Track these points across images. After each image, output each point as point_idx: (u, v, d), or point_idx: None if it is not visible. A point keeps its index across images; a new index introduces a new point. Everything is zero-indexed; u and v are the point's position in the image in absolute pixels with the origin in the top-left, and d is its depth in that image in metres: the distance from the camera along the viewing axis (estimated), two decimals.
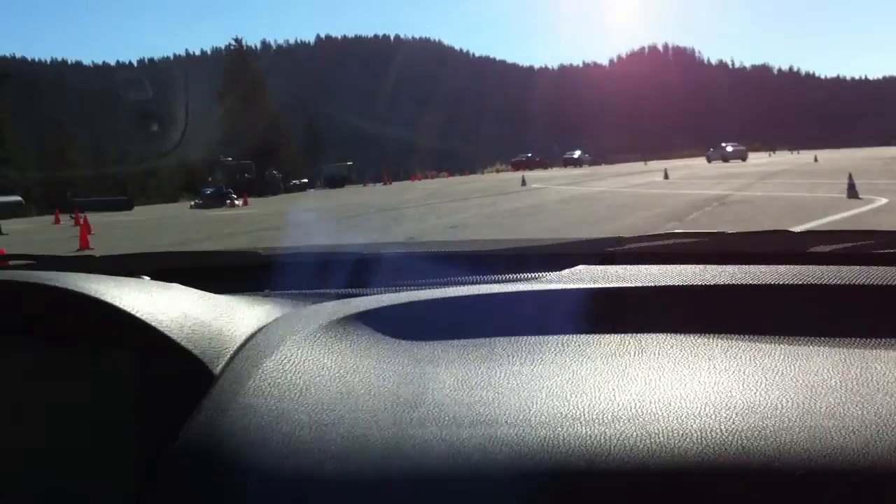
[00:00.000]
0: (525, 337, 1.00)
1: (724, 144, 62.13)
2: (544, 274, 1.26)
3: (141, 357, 0.91)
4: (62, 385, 0.92)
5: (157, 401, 0.89)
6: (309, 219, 21.40)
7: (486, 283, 1.25)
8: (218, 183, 46.47)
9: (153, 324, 0.91)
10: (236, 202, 37.64)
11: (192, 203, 42.56)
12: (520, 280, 1.25)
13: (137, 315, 0.91)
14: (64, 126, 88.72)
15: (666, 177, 30.53)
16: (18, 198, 31.14)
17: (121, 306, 0.92)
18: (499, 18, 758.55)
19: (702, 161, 60.87)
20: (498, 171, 77.37)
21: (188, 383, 0.89)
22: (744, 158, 56.84)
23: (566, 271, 1.24)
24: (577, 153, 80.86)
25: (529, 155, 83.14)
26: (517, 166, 72.12)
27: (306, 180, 48.80)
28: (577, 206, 19.22)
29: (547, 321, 1.05)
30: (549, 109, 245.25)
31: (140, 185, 77.66)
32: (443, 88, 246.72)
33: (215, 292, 1.10)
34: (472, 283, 1.26)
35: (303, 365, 0.90)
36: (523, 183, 33.69)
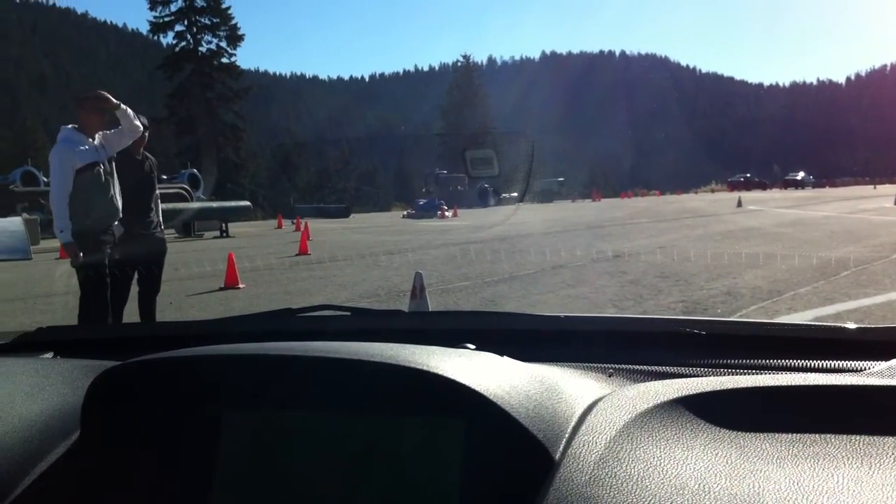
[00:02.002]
0: (861, 437, 0.94)
1: None
2: (867, 364, 1.20)
3: (472, 427, 0.95)
4: (395, 448, 0.98)
5: (485, 472, 0.92)
6: (513, 232, 21.61)
7: (804, 370, 1.22)
8: (431, 194, 47.84)
9: (490, 397, 0.92)
10: (447, 213, 38.61)
11: (405, 213, 44.13)
12: (840, 371, 1.20)
13: (474, 388, 0.93)
14: (294, 135, 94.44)
15: None
16: (247, 203, 33.56)
17: (456, 379, 0.94)
18: (730, 34, 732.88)
19: None
20: (713, 190, 74.70)
21: (522, 460, 0.90)
22: None
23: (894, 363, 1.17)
24: (800, 174, 76.79)
25: (748, 175, 79.84)
26: (734, 187, 69.39)
27: (516, 194, 49.25)
28: (795, 231, 18.23)
29: (885, 421, 0.97)
30: (775, 128, 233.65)
31: (356, 193, 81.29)
32: (665, 105, 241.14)
33: (518, 359, 1.12)
34: (788, 368, 1.23)
35: (636, 453, 0.89)
36: (739, 204, 32.40)
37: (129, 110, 6.20)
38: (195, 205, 29.47)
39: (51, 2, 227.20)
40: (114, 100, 6.05)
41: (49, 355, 1.55)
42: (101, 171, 5.95)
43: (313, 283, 11.89)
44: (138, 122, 6.16)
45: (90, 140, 5.94)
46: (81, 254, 5.86)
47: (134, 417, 1.09)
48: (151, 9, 60.43)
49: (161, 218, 7.00)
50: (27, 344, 1.70)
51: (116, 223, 6.15)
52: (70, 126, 6.00)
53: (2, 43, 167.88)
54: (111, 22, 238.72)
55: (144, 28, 77.19)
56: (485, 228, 24.34)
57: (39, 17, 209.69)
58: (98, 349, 1.58)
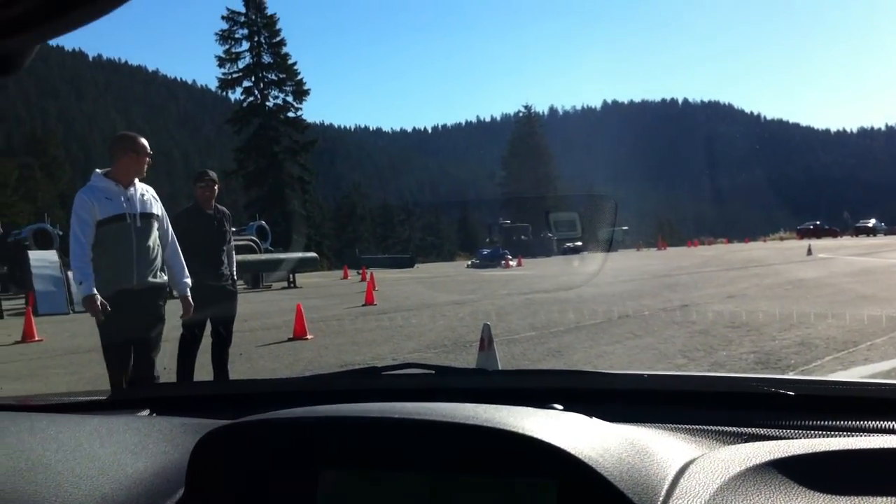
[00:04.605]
0: None
1: None
2: None
3: (566, 489, 0.96)
4: None
5: None
6: (580, 282, 21.48)
7: (890, 432, 1.21)
8: (495, 244, 47.91)
9: (584, 460, 0.93)
10: (511, 263, 38.56)
11: (469, 263, 44.20)
12: None
13: (567, 450, 0.94)
14: (359, 187, 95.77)
15: None
16: (315, 254, 34.06)
17: (550, 441, 0.96)
18: (794, 81, 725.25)
19: None
20: (782, 238, 73.16)
21: None
22: None
23: None
24: (871, 221, 74.84)
25: (817, 223, 78.09)
26: (803, 234, 67.85)
27: (580, 243, 49.07)
28: (867, 280, 17.75)
29: None
30: (844, 175, 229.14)
31: (420, 243, 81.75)
32: (729, 152, 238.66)
33: (605, 419, 1.13)
34: (881, 430, 1.22)
35: None
36: (809, 252, 31.70)
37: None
38: (263, 256, 29.98)
39: (123, 60, 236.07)
40: (145, 147, 5.29)
41: (146, 412, 1.61)
42: (126, 225, 5.15)
43: (380, 334, 11.97)
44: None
45: (121, 188, 5.17)
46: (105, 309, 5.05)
47: (236, 476, 1.12)
48: (220, 66, 62.16)
49: (234, 270, 7.15)
50: (121, 401, 1.76)
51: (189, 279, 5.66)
52: (101, 171, 5.28)
53: (76, 99, 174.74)
54: (181, 79, 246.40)
55: (213, 84, 79.44)
56: (548, 278, 24.23)
57: (112, 74, 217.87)
58: (191, 406, 1.63)
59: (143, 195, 5.26)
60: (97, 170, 5.27)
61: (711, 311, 12.27)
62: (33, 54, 0.56)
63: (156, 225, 5.32)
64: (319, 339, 11.57)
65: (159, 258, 5.34)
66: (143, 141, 5.27)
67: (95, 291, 5.00)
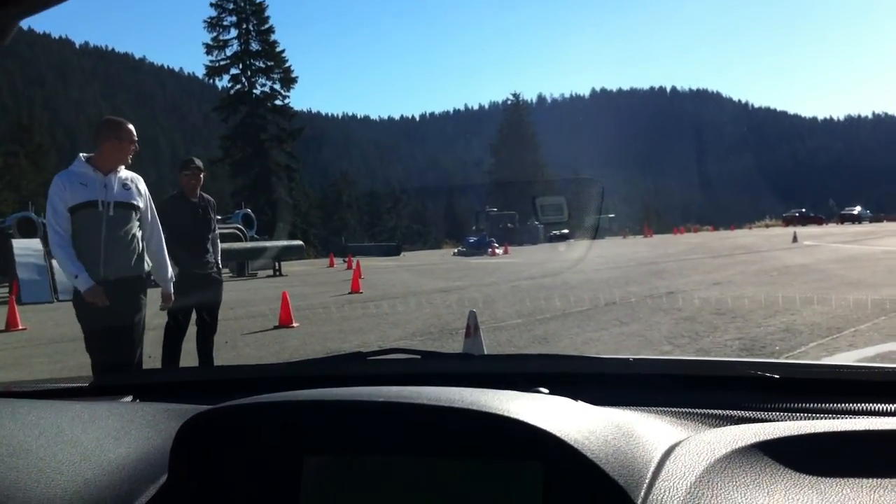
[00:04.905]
0: None
1: None
2: None
3: (552, 472, 0.95)
4: (475, 492, 0.99)
5: None
6: (565, 268, 21.51)
7: (883, 414, 1.21)
8: (481, 232, 47.95)
9: (570, 442, 0.93)
10: (497, 251, 38.60)
11: (456, 251, 44.24)
12: None
13: (553, 433, 0.94)
14: (346, 175, 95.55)
15: None
16: (300, 242, 34.02)
17: (536, 424, 0.95)
18: (782, 69, 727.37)
19: None
20: (767, 226, 73.61)
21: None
22: None
23: None
24: (856, 209, 75.31)
25: (803, 210, 78.58)
26: (788, 222, 68.21)
27: (567, 231, 49.24)
28: (852, 267, 17.85)
29: None
30: (830, 163, 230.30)
31: (406, 231, 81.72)
32: (717, 140, 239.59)
33: (590, 402, 1.13)
34: (866, 412, 1.23)
35: (717, 499, 0.88)
36: (794, 239, 31.89)
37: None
38: (248, 244, 29.89)
39: (110, 47, 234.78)
40: (130, 134, 5.04)
41: (128, 399, 1.59)
42: (97, 213, 4.86)
43: (366, 322, 11.96)
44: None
45: (100, 174, 4.89)
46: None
47: (218, 461, 1.11)
48: (208, 53, 61.93)
49: (219, 258, 7.11)
50: (104, 388, 1.75)
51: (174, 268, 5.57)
52: (84, 156, 5.03)
53: (63, 86, 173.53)
54: (168, 66, 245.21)
55: (201, 72, 78.96)
56: (534, 265, 24.28)
57: (99, 61, 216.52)
58: (174, 392, 1.62)
59: (125, 184, 4.98)
60: (81, 154, 5.04)
61: (697, 298, 12.31)
62: (13, 32, 0.53)
63: (134, 216, 5.02)
64: (305, 326, 11.55)
65: (135, 249, 5.04)
66: (130, 127, 5.01)
67: (93, 281, 4.81)
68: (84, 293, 4.83)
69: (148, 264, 5.27)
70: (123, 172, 5.00)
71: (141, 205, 5.08)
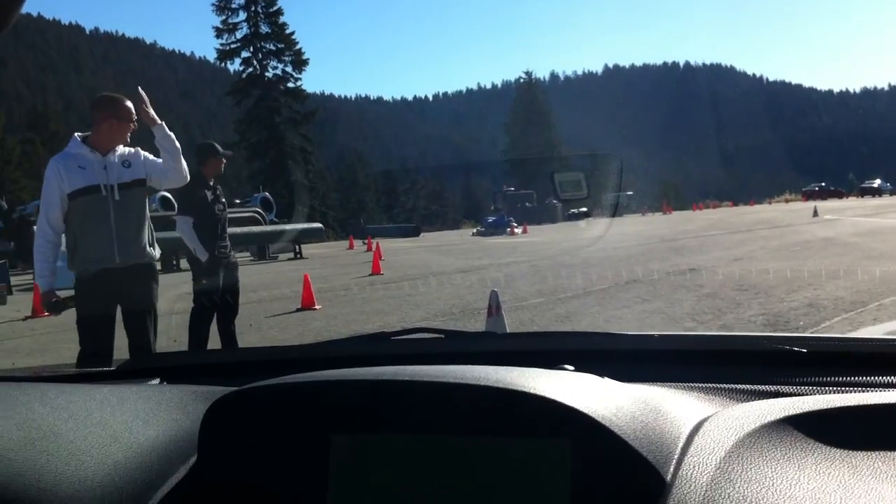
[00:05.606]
0: None
1: None
2: None
3: (579, 449, 0.95)
4: (503, 471, 0.99)
5: (594, 494, 0.93)
6: (585, 246, 21.47)
7: None
8: (499, 211, 47.87)
9: (598, 419, 0.93)
10: (516, 230, 38.54)
11: (474, 231, 44.20)
12: None
13: (581, 410, 0.93)
14: (361, 156, 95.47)
15: None
16: (319, 225, 34.04)
17: (564, 402, 0.95)
18: (797, 42, 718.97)
19: None
20: (787, 200, 73.06)
21: (632, 482, 0.90)
22: None
23: None
24: (876, 182, 74.61)
25: (822, 184, 77.90)
26: (808, 196, 67.72)
27: (585, 209, 49.03)
28: (874, 240, 17.72)
29: None
30: (848, 136, 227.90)
31: (425, 212, 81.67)
32: (733, 115, 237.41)
33: (616, 379, 1.12)
34: (888, 385, 1.21)
35: (748, 473, 0.88)
36: (815, 214, 31.65)
37: (171, 135, 4.79)
38: (269, 228, 30.00)
39: (120, 32, 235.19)
40: (139, 108, 4.70)
41: (156, 381, 1.60)
42: (101, 198, 4.56)
43: (387, 303, 12.00)
44: (183, 167, 4.85)
45: (98, 155, 4.59)
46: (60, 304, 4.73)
47: (247, 441, 1.12)
48: (218, 37, 61.88)
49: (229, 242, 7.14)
50: (133, 371, 1.77)
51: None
52: (80, 135, 4.71)
53: (75, 73, 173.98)
54: (179, 51, 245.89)
55: (212, 56, 78.91)
56: (553, 244, 24.23)
57: (110, 47, 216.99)
58: (200, 375, 1.63)
59: (125, 161, 4.65)
60: (76, 134, 4.72)
61: (719, 274, 12.26)
62: (15, 18, 0.52)
63: (141, 192, 4.73)
64: (328, 308, 11.60)
65: (146, 232, 4.75)
66: (128, 104, 4.67)
67: (51, 290, 4.65)
68: (41, 294, 4.71)
69: (158, 252, 4.94)
70: (121, 149, 4.69)
71: (145, 174, 4.74)
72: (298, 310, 11.61)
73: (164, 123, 4.78)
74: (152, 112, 4.75)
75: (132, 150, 4.72)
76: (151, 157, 4.78)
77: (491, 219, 43.88)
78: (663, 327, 8.09)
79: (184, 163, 4.84)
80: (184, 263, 15.28)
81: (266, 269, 23.57)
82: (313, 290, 11.91)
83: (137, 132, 4.79)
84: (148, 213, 4.85)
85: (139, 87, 4.79)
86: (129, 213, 4.63)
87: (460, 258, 21.61)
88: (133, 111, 4.67)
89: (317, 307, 11.61)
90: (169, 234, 10.26)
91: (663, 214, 54.95)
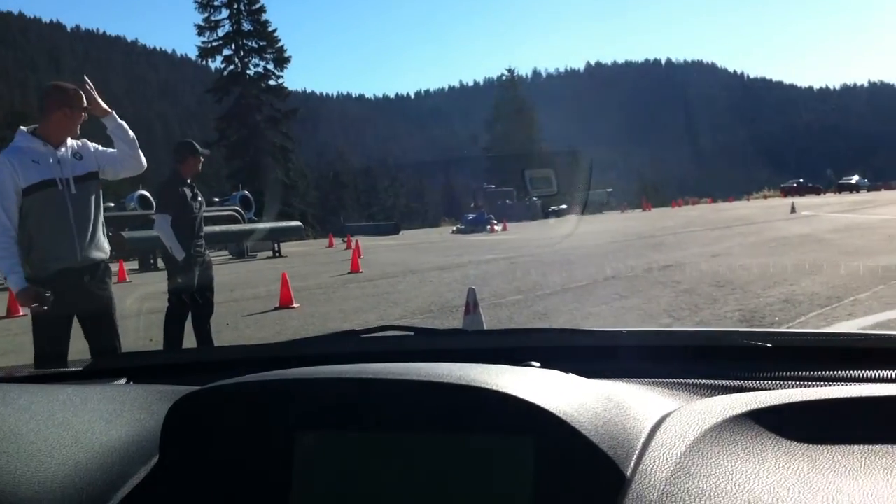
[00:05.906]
0: None
1: None
2: None
3: (541, 445, 0.95)
4: (466, 467, 0.98)
5: (556, 489, 0.93)
6: (565, 245, 21.52)
7: (874, 380, 1.20)
8: (480, 209, 47.92)
9: (560, 415, 0.92)
10: (496, 227, 38.58)
11: (454, 228, 44.23)
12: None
13: (543, 406, 0.93)
14: (342, 154, 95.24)
15: None
16: (299, 223, 33.96)
17: (525, 398, 0.94)
18: (777, 39, 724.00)
19: None
20: (766, 197, 73.57)
21: (593, 478, 0.90)
22: None
23: None
24: (854, 178, 75.35)
25: (801, 180, 78.50)
26: (787, 192, 68.21)
27: (565, 206, 49.23)
28: (851, 236, 17.88)
29: None
30: (827, 132, 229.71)
31: (405, 210, 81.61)
32: (713, 112, 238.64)
33: (582, 375, 1.12)
34: (857, 379, 1.22)
35: (707, 468, 0.88)
36: (793, 210, 31.86)
37: (124, 124, 4.58)
38: (247, 226, 29.87)
39: (101, 30, 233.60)
40: (86, 97, 4.48)
41: (122, 381, 1.59)
42: (58, 192, 4.36)
43: (366, 301, 11.98)
44: (139, 154, 4.65)
45: (51, 148, 4.38)
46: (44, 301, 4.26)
47: (210, 441, 1.11)
48: (199, 34, 61.62)
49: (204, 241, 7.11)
50: (99, 371, 1.74)
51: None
52: (26, 128, 4.48)
53: (56, 71, 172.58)
54: (160, 48, 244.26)
55: (193, 53, 78.55)
56: (532, 242, 24.27)
57: (90, 45, 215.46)
58: (168, 374, 1.62)
59: (76, 153, 4.46)
60: (22, 127, 4.49)
61: (696, 271, 12.33)
62: None
63: (95, 185, 4.54)
64: (306, 307, 11.57)
65: (101, 226, 4.58)
66: (81, 93, 4.47)
67: (27, 284, 4.28)
68: (16, 294, 4.35)
69: (108, 249, 4.71)
70: (70, 141, 4.49)
71: (97, 166, 4.56)
72: (276, 308, 11.58)
73: (114, 112, 4.59)
74: (102, 102, 4.57)
75: (80, 142, 4.53)
76: (101, 147, 4.60)
77: (471, 216, 43.95)
78: (640, 323, 8.12)
79: (139, 150, 4.65)
80: (161, 262, 15.17)
81: (244, 267, 23.47)
82: (291, 288, 11.88)
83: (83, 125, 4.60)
84: (102, 208, 4.69)
85: (84, 76, 4.58)
86: (87, 208, 4.46)
87: (440, 256, 21.61)
88: (84, 100, 4.47)
89: (295, 306, 11.57)
90: (147, 233, 10.20)
91: (643, 211, 55.17)
